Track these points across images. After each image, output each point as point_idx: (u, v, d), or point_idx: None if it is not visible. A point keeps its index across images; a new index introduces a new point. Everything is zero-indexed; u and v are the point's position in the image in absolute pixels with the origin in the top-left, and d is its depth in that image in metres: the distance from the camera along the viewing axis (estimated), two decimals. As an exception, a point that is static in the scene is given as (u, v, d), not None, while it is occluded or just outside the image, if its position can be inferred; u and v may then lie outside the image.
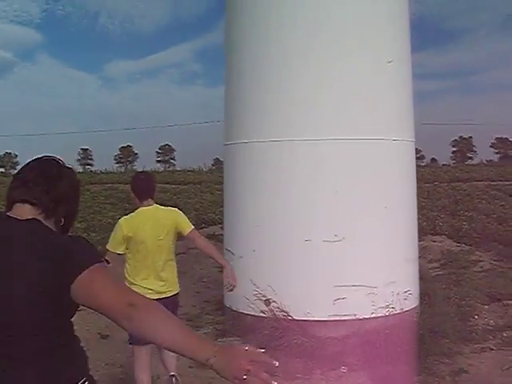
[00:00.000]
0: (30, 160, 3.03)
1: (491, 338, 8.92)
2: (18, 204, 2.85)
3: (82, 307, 2.62)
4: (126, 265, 6.60)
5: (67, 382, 2.82)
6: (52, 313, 2.67)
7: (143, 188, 6.77)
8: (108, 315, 2.69)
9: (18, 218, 2.78)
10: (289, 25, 8.78)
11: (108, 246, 6.49)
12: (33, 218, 2.77)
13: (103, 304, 2.64)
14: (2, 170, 79.26)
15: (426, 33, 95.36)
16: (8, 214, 2.83)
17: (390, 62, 8.80)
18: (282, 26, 8.84)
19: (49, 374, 2.72)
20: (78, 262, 2.60)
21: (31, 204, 2.83)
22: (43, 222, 2.81)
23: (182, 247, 18.45)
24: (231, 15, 9.69)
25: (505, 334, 9.02)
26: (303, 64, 8.72)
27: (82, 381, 2.92)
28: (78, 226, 19.49)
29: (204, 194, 32.57)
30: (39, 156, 3.03)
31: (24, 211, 2.81)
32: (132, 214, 6.77)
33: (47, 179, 2.89)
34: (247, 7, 9.31)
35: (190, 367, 8.19)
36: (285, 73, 8.79)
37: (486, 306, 10.25)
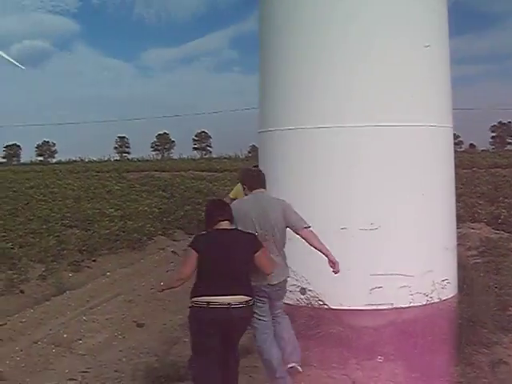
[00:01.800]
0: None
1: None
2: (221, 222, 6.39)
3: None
4: None
5: (250, 292, 6.26)
6: (248, 266, 6.27)
7: None
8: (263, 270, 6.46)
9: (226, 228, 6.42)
10: (324, 11, 8.66)
11: None
12: (231, 228, 6.47)
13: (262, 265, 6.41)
14: (41, 158, 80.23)
15: (465, 17, 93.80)
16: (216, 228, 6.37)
17: (427, 46, 8.64)
18: (317, 13, 8.71)
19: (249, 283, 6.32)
20: (256, 247, 6.33)
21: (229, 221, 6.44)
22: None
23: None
24: (265, 3, 9.58)
25: (546, 324, 8.86)
26: (338, 51, 8.61)
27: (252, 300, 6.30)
28: (115, 214, 19.64)
29: (240, 182, 32.42)
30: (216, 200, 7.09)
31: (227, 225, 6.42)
32: None
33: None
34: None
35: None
36: (319, 60, 8.68)
37: (525, 295, 10.07)
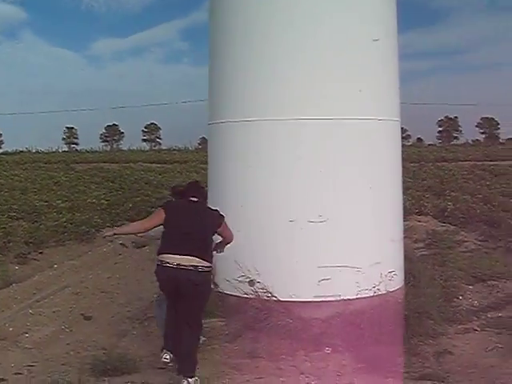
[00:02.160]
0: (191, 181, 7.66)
1: (475, 318, 8.94)
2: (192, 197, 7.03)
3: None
4: None
5: (209, 258, 6.73)
6: (211, 234, 6.91)
7: None
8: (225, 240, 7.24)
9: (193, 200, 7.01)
10: (268, 2, 8.69)
11: None
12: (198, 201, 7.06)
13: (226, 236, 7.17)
14: (-14, 148, 78.69)
15: (414, 12, 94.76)
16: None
17: (376, 40, 8.71)
18: (263, 2, 8.77)
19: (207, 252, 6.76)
20: (221, 219, 7.00)
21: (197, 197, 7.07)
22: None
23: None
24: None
25: (489, 315, 9.04)
26: (284, 43, 8.62)
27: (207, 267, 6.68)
28: (62, 205, 19.42)
29: (190, 174, 32.52)
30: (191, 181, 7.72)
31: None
32: None
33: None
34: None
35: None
36: (266, 52, 8.70)
37: (471, 287, 10.27)
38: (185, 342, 6.67)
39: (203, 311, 7.05)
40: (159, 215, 6.87)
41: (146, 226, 7.05)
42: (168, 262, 6.56)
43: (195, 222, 6.78)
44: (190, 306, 6.65)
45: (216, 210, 7.11)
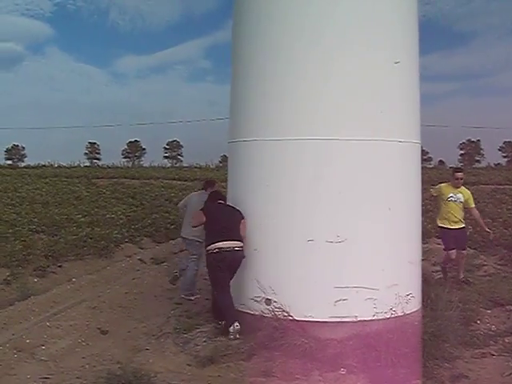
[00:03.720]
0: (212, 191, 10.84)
1: (492, 343, 8.85)
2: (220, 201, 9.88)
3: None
4: None
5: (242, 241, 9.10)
6: (239, 225, 9.20)
7: None
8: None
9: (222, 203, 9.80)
10: (294, 24, 8.72)
11: None
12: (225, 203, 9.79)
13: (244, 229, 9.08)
14: (10, 162, 79.39)
15: (436, 35, 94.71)
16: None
17: (397, 62, 8.74)
18: (288, 26, 8.79)
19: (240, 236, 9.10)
20: (243, 216, 9.15)
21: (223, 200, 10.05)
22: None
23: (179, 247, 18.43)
24: (238, 14, 9.64)
25: (506, 340, 8.95)
26: (308, 63, 8.66)
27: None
28: (82, 220, 19.52)
29: (210, 191, 32.35)
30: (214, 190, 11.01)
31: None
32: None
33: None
34: (254, 7, 9.26)
35: (188, 365, 8.18)
36: (289, 72, 8.73)
37: (489, 311, 10.20)
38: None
39: None
40: (199, 216, 9.68)
41: (193, 223, 10.24)
42: (222, 247, 9.02)
43: (229, 217, 9.29)
44: (235, 273, 9.18)
45: (239, 210, 9.33)
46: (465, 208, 12.69)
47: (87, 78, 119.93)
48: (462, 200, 12.54)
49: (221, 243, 9.04)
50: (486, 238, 15.52)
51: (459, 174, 12.81)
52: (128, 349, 8.95)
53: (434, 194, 12.98)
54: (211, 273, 9.33)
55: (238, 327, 8.69)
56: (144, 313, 10.79)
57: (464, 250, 12.72)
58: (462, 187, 12.77)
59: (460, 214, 12.64)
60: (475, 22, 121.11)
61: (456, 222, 12.57)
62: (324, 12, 8.71)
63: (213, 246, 9.10)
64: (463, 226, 12.78)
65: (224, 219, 9.29)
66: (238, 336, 8.64)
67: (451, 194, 12.55)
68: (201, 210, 9.81)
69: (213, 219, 9.40)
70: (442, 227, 12.83)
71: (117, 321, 10.35)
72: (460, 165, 71.00)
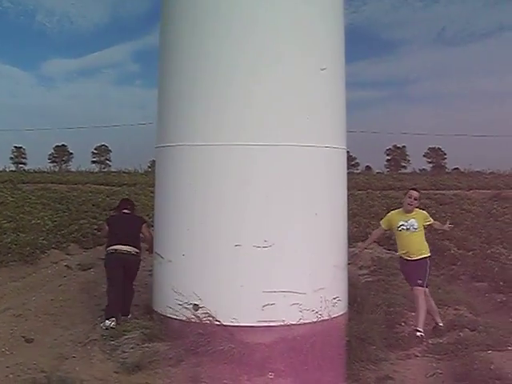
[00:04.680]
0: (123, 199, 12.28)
1: (416, 344, 9.04)
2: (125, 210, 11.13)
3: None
4: None
5: (138, 246, 10.66)
6: (138, 231, 10.73)
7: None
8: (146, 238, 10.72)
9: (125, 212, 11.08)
10: (222, 29, 8.77)
11: None
12: (131, 213, 11.15)
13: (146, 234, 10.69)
14: None
15: (363, 43, 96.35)
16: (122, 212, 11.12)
17: (323, 69, 8.86)
18: (215, 31, 8.81)
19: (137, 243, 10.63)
20: (143, 221, 10.98)
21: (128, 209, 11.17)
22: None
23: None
24: (166, 18, 9.62)
25: (430, 341, 9.18)
26: (235, 68, 8.71)
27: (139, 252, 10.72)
28: (7, 225, 19.08)
29: (138, 196, 32.24)
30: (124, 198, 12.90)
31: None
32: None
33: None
34: (181, 11, 9.25)
35: (115, 372, 8.11)
36: (216, 77, 8.77)
37: (413, 313, 10.36)
38: (128, 296, 10.57)
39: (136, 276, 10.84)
40: (105, 226, 11.06)
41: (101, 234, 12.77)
42: (117, 249, 10.31)
43: (128, 225, 10.77)
44: (133, 275, 10.68)
45: (140, 217, 11.54)
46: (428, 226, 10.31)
47: (13, 80, 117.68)
48: (417, 226, 9.98)
49: (117, 246, 10.36)
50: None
51: (414, 193, 10.12)
52: (54, 357, 8.79)
53: (385, 228, 10.51)
54: (107, 270, 10.59)
55: (111, 325, 9.75)
56: (70, 320, 10.63)
57: (419, 285, 9.73)
58: (417, 210, 10.19)
59: (417, 244, 10.01)
60: (402, 30, 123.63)
61: (413, 253, 9.95)
62: (251, 18, 8.77)
63: (110, 248, 10.44)
64: (423, 256, 9.95)
65: (122, 226, 10.71)
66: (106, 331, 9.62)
67: (401, 222, 10.03)
68: (105, 220, 11.99)
69: (113, 227, 10.78)
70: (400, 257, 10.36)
71: (42, 328, 10.17)
72: (386, 170, 72.50)
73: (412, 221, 9.94)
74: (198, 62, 8.91)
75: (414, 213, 10.03)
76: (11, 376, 8.06)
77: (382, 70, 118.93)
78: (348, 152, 10.00)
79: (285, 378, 7.71)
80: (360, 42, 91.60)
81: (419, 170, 72.47)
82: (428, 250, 10.03)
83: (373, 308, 9.95)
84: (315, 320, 8.56)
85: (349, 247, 10.13)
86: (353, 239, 12.97)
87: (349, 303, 9.59)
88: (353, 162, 69.64)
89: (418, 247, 9.94)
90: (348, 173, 9.98)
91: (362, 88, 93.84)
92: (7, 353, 8.98)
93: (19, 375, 8.10)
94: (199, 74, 8.89)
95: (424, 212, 10.27)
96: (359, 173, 63.20)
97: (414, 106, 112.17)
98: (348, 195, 9.89)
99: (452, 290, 12.42)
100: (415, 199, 9.97)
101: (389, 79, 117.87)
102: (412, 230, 9.91)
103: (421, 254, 9.90)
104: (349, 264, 9.92)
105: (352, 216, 11.96)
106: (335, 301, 8.87)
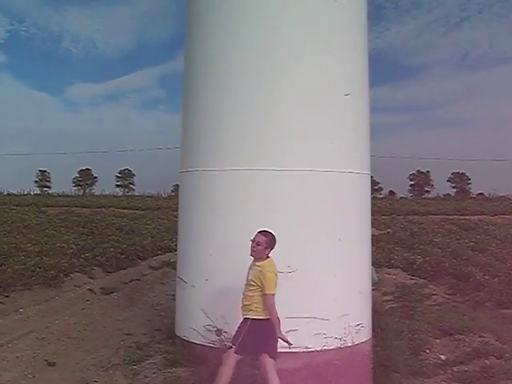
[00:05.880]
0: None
1: (442, 372, 8.96)
2: None
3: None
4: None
5: None
6: None
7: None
8: None
9: None
10: (244, 57, 8.81)
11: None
12: None
13: None
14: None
15: (386, 67, 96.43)
16: None
17: (347, 95, 8.85)
18: (237, 59, 8.87)
19: None
20: None
21: None
22: None
23: (137, 273, 18.31)
24: (190, 44, 9.68)
25: (455, 369, 9.06)
26: (257, 95, 8.74)
27: None
28: (31, 248, 19.21)
29: (161, 220, 32.44)
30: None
31: None
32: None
33: None
34: (204, 38, 9.31)
35: None
36: (240, 104, 8.80)
37: (438, 340, 10.29)
38: None
39: None
40: None
41: None
42: None
43: None
44: None
45: None
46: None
47: (40, 105, 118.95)
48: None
49: None
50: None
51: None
52: (76, 381, 8.81)
53: None
54: None
55: None
56: (93, 344, 10.65)
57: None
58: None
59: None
60: (424, 55, 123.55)
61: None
62: (271, 44, 8.80)
63: None
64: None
65: None
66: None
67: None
68: None
69: None
70: None
71: (65, 352, 10.19)
72: (410, 195, 72.18)
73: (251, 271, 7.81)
74: (220, 91, 8.96)
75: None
76: (33, 400, 8.09)
77: (405, 95, 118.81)
78: (371, 177, 9.95)
79: (308, 404, 7.64)
80: (383, 67, 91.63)
81: (443, 194, 72.00)
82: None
83: (397, 335, 9.87)
84: (339, 346, 8.48)
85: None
86: (377, 265, 12.88)
87: (373, 329, 9.49)
88: (376, 187, 69.47)
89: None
90: (371, 198, 9.91)
91: (385, 112, 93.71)
92: (29, 376, 9.01)
93: (41, 399, 8.12)
94: (221, 102, 8.94)
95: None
96: (383, 197, 62.96)
97: (437, 132, 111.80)
98: (372, 220, 9.83)
99: (477, 316, 12.26)
100: (258, 244, 7.66)
101: (412, 104, 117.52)
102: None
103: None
104: (373, 290, 9.86)
105: (376, 241, 11.87)
106: (359, 327, 8.78)
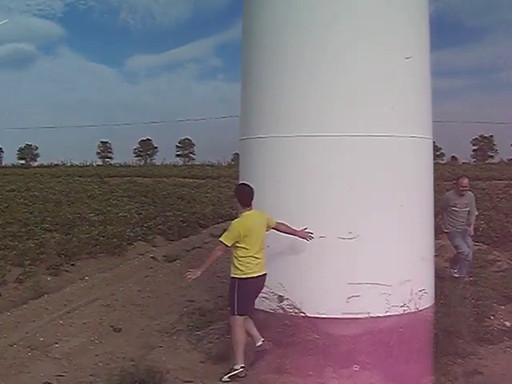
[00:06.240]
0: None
1: (506, 339, 8.82)
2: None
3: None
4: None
5: None
6: None
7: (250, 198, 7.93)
8: None
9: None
10: (305, 20, 8.67)
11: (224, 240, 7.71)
12: None
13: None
14: (23, 161, 79.89)
15: (447, 31, 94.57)
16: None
17: (408, 58, 8.69)
18: (299, 22, 8.71)
19: None
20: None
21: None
22: None
23: (199, 241, 18.50)
24: (248, 11, 9.61)
25: (521, 336, 8.92)
26: (319, 60, 8.62)
27: None
28: (95, 218, 19.59)
29: (222, 189, 32.65)
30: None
31: None
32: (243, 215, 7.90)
33: None
34: (264, 6, 9.24)
35: (201, 362, 8.20)
36: (300, 69, 8.69)
37: (503, 307, 10.14)
38: None
39: None
40: None
41: None
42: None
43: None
44: None
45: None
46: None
47: (99, 77, 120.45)
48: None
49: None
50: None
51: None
52: (141, 346, 8.97)
53: None
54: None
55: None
56: (157, 310, 10.81)
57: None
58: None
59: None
60: (486, 17, 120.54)
61: None
62: (335, 10, 8.67)
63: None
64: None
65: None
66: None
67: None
68: None
69: None
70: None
71: (130, 319, 10.38)
72: (472, 161, 70.97)
73: None
74: (281, 56, 8.87)
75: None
76: (100, 364, 8.27)
77: (467, 59, 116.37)
78: (434, 142, 9.79)
79: (370, 370, 7.63)
80: (443, 31, 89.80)
81: (507, 159, 70.59)
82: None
83: (460, 301, 9.73)
84: (401, 312, 8.43)
85: (435, 239, 9.95)
86: (439, 231, 12.72)
87: (435, 296, 9.41)
88: (438, 153, 68.49)
89: None
90: (434, 163, 9.76)
91: (446, 77, 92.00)
92: (96, 341, 9.21)
93: (108, 364, 8.30)
94: (282, 68, 8.84)
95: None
96: (445, 163, 62.03)
97: (501, 95, 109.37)
98: (434, 186, 9.69)
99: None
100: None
101: (474, 68, 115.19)
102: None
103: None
104: (435, 256, 9.75)
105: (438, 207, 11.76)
106: (422, 293, 8.71)
